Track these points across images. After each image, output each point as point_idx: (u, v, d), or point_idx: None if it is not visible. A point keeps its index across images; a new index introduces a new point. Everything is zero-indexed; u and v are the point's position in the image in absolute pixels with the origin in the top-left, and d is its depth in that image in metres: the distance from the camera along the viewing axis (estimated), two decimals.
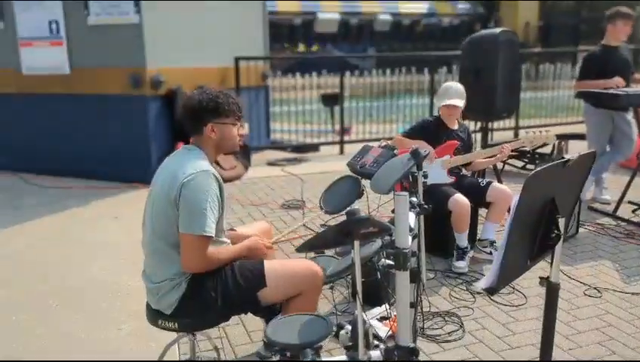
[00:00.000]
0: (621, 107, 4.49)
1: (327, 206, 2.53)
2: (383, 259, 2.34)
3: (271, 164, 6.94)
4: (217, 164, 5.89)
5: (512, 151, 4.01)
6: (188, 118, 2.15)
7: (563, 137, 6.18)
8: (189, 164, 2.04)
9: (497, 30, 4.41)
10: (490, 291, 1.58)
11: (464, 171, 3.97)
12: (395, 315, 2.98)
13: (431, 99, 8.45)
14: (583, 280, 3.51)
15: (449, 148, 3.78)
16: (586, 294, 3.34)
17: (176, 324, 2.10)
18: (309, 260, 2.25)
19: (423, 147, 3.72)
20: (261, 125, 7.66)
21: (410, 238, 1.67)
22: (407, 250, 1.64)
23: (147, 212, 2.12)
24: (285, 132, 8.69)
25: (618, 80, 4.61)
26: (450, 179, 3.79)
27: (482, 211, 4.01)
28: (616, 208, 4.78)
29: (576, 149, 6.96)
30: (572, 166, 1.72)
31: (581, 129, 8.24)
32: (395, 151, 2.57)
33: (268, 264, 2.14)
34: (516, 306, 3.20)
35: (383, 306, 3.01)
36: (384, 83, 9.31)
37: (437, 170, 3.76)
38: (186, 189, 1.98)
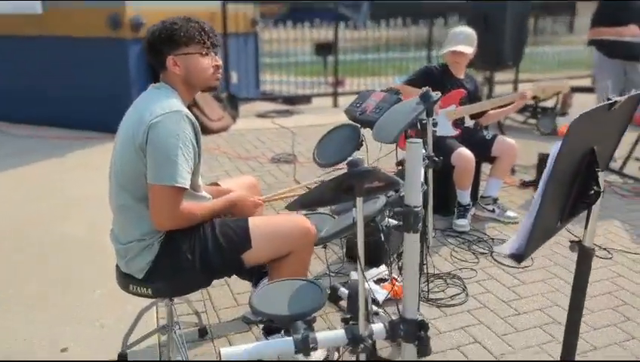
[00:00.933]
0: (637, 57, 4.19)
1: (321, 158, 2.25)
2: (386, 219, 2.10)
3: (260, 115, 6.61)
4: (203, 114, 5.55)
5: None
6: (149, 54, 1.84)
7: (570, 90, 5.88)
8: (158, 104, 1.73)
9: None
10: (517, 258, 1.33)
11: (467, 123, 3.69)
12: (394, 277, 2.77)
13: (428, 53, 8.09)
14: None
15: (454, 98, 3.49)
16: (596, 256, 3.13)
17: (149, 290, 1.84)
18: (300, 216, 1.98)
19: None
20: (250, 75, 7.29)
21: (421, 195, 1.41)
22: (418, 209, 1.37)
23: (112, 162, 1.82)
24: (276, 83, 8.31)
25: (635, 28, 4.29)
26: (455, 132, 3.52)
27: (485, 168, 3.77)
28: (623, 165, 4.55)
29: (581, 103, 6.69)
30: (617, 110, 1.45)
31: (582, 83, 8.00)
32: (400, 96, 2.28)
33: (253, 221, 1.87)
34: (522, 268, 2.99)
35: (381, 267, 2.79)
36: (379, 36, 8.89)
37: (441, 122, 3.47)
38: (154, 132, 1.69)
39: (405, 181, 1.39)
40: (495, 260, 3.06)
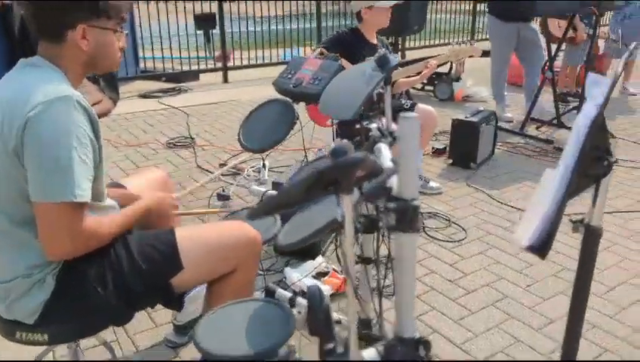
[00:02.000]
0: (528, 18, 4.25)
1: (249, 141, 1.88)
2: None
3: (144, 96, 5.92)
4: None
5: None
6: (43, 15, 1.32)
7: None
8: (37, 89, 1.25)
9: None
10: (539, 251, 1.08)
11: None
12: (334, 269, 2.48)
13: (318, 24, 7.80)
14: (513, 204, 3.27)
15: None
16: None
17: (45, 336, 1.37)
18: (239, 221, 1.58)
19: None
20: (127, 51, 6.49)
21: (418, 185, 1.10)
22: (417, 202, 1.07)
23: None
24: (158, 60, 7.52)
25: None
26: None
27: None
28: (523, 126, 4.65)
29: (471, 68, 6.82)
30: None
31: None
32: (340, 62, 1.94)
33: (181, 234, 1.46)
34: (457, 241, 2.85)
35: (318, 258, 2.49)
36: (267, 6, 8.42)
37: None
38: (35, 130, 1.22)
39: (400, 168, 1.08)
40: (429, 235, 2.90)
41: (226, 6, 7.01)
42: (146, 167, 3.64)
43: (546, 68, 4.63)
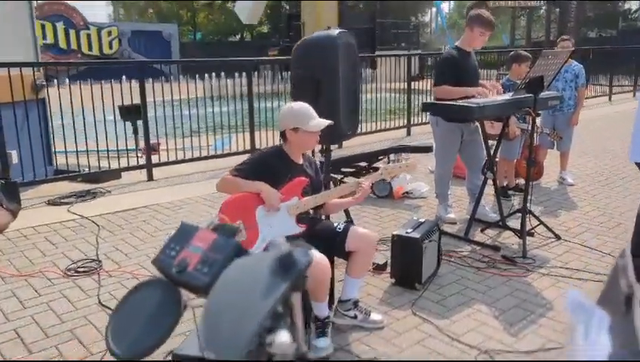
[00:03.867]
0: (475, 120, 4.04)
1: (119, 344, 1.37)
2: None
3: (53, 203, 5.28)
4: None
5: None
6: None
7: (397, 150, 5.71)
8: None
9: (335, 31, 3.59)
10: None
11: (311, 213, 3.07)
12: None
13: (250, 104, 7.45)
14: (469, 341, 2.84)
15: (296, 188, 2.84)
16: None
17: None
18: None
19: (264, 191, 2.73)
20: (37, 151, 5.90)
21: None
22: None
23: None
24: (73, 154, 6.82)
25: (481, 89, 4.19)
26: (300, 229, 2.86)
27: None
28: (468, 230, 4.35)
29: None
30: None
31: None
32: (238, 237, 1.51)
33: None
34: None
35: None
36: (193, 88, 8.11)
37: (283, 219, 2.80)
38: None
39: None
40: None
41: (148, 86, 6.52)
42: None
43: (486, 168, 4.41)
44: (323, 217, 3.24)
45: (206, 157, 6.93)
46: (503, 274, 3.66)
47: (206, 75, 8.82)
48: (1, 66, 5.30)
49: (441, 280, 3.59)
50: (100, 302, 3.23)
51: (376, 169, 5.66)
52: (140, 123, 6.88)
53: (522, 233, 4.03)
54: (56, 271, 3.66)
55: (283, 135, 2.88)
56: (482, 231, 4.46)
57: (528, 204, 4.09)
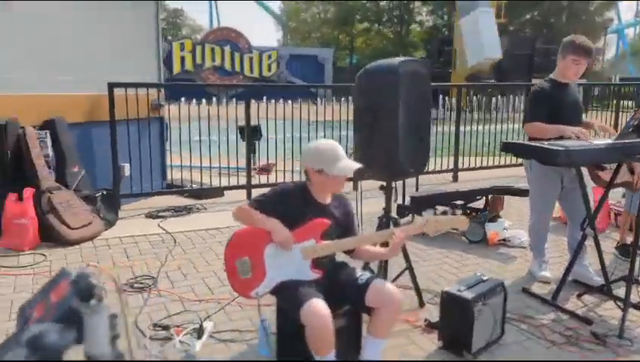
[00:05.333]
0: (562, 165, 3.40)
1: None
2: None
3: (150, 215, 5.62)
4: (61, 221, 4.56)
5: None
6: None
7: (498, 191, 5.10)
8: None
9: (397, 60, 3.29)
10: None
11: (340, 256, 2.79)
12: None
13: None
14: None
15: (314, 230, 2.60)
16: None
17: None
18: None
19: (274, 230, 2.54)
20: (153, 166, 6.34)
21: None
22: None
23: None
24: (187, 168, 7.26)
25: (580, 129, 3.54)
26: (315, 275, 2.60)
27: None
28: (557, 292, 3.67)
29: (514, 207, 5.92)
30: None
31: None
32: (95, 299, 1.33)
33: None
34: None
35: None
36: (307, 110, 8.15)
37: (295, 262, 2.57)
38: None
39: None
40: None
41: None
42: None
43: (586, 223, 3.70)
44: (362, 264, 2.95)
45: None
46: (583, 356, 2.99)
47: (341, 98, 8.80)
48: (129, 87, 5.78)
49: (500, 351, 3.04)
50: (135, 321, 3.27)
51: (474, 211, 5.14)
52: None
53: (625, 305, 3.28)
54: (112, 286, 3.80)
55: (306, 172, 2.66)
56: (579, 296, 3.75)
57: (636, 269, 3.34)
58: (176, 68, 28.87)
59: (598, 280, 3.83)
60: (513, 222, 5.20)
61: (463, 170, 7.85)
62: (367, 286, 2.56)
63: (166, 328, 3.14)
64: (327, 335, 2.38)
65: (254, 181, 6.75)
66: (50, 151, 4.91)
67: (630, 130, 3.22)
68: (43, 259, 4.28)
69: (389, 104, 3.26)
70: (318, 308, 2.35)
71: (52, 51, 5.07)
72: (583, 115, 4.08)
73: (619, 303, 3.42)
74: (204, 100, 7.60)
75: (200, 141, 6.50)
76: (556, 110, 3.65)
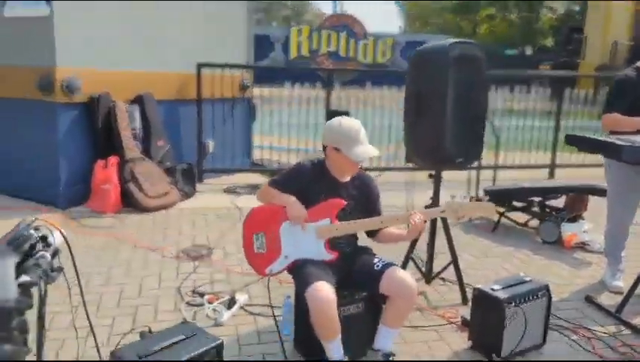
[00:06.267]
0: (627, 161, 3.01)
1: None
2: None
3: (228, 190, 5.90)
4: (140, 189, 4.94)
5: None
6: None
7: (578, 190, 4.66)
8: None
9: (449, 41, 3.10)
10: None
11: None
12: None
13: None
14: None
15: (330, 210, 2.57)
16: None
17: None
18: None
19: (289, 205, 2.55)
20: (238, 144, 6.64)
21: None
22: None
23: None
24: (275, 150, 7.56)
25: None
26: (330, 256, 2.58)
27: None
28: (623, 305, 3.29)
29: (598, 207, 5.35)
30: None
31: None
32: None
33: None
34: None
35: None
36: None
37: (310, 241, 2.57)
38: None
39: None
40: None
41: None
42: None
43: None
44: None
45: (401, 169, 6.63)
46: None
47: None
48: (217, 67, 6.08)
49: (539, 358, 2.81)
50: (178, 287, 3.47)
51: (553, 209, 4.77)
52: None
53: None
54: (173, 251, 4.07)
55: (324, 148, 2.62)
56: None
57: None
58: (293, 53, 29.64)
59: None
60: (599, 225, 4.73)
61: (560, 166, 7.25)
62: (382, 273, 2.49)
63: (202, 295, 3.30)
64: (326, 321, 2.35)
65: None
66: (138, 125, 5.32)
67: None
68: (119, 222, 4.68)
69: (437, 88, 3.11)
70: (321, 292, 2.32)
71: (145, 30, 5.42)
72: None
73: None
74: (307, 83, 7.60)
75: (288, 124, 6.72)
76: (638, 101, 3.24)
